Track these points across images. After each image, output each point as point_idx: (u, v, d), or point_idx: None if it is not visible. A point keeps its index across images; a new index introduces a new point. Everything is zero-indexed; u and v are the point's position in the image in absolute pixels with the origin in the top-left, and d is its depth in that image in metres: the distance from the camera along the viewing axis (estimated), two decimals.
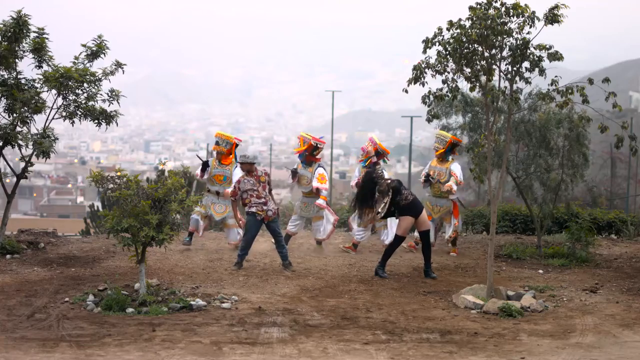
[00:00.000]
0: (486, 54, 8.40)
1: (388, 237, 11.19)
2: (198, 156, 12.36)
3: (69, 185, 71.43)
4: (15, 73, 10.68)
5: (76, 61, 10.78)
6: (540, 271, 10.33)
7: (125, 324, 7.39)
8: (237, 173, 10.95)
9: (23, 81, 10.72)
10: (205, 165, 11.48)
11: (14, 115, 10.48)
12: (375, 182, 9.94)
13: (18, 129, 10.54)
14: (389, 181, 9.96)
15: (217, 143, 11.53)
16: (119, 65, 11.00)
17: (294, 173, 11.60)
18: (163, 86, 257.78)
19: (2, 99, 10.59)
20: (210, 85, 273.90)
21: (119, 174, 8.50)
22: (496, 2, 8.24)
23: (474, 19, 8.19)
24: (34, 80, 10.74)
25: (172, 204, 8.22)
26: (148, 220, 8.00)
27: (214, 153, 11.61)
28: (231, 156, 11.51)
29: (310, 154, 11.46)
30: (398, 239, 9.95)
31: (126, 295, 8.12)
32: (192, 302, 8.09)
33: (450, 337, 7.23)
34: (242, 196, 10.05)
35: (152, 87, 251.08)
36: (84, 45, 10.82)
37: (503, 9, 8.19)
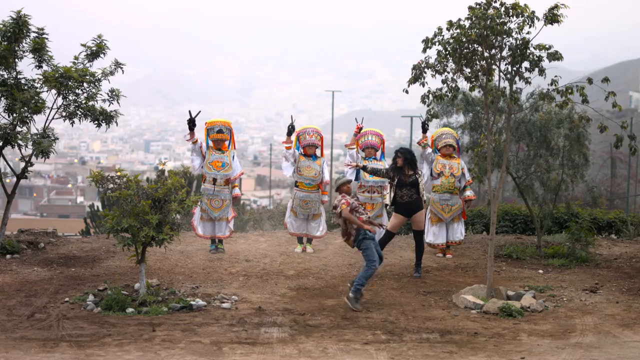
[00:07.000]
0: (486, 54, 8.40)
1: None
2: (190, 112, 10.75)
3: (69, 185, 71.55)
4: (15, 73, 10.68)
5: (76, 61, 10.79)
6: (540, 271, 10.32)
7: (125, 324, 7.39)
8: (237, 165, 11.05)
9: (23, 81, 10.71)
10: (192, 123, 10.62)
11: (14, 115, 10.48)
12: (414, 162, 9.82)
13: (18, 129, 10.53)
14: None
15: (220, 131, 10.95)
16: (118, 65, 11.01)
17: (290, 132, 10.92)
18: (163, 86, 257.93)
19: (2, 99, 10.59)
20: (210, 85, 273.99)
21: (119, 174, 8.51)
22: (495, 2, 8.24)
23: (474, 18, 8.19)
24: (33, 80, 10.74)
25: (172, 204, 8.23)
26: (148, 220, 8.00)
27: (210, 142, 11.00)
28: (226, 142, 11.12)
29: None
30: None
31: (126, 295, 8.12)
32: (192, 302, 8.09)
33: (450, 337, 7.23)
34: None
35: (152, 87, 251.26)
36: (83, 45, 10.84)
37: (502, 8, 8.19)
